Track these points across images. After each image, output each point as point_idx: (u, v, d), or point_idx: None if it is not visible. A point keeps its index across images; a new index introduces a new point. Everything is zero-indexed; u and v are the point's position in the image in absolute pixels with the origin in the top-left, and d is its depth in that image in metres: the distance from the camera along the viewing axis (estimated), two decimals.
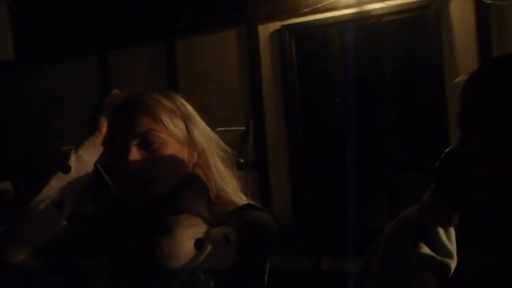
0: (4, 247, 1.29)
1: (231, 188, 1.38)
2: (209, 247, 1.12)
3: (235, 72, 5.34)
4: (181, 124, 1.33)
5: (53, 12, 5.86)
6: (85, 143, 1.35)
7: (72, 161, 1.31)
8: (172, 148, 1.30)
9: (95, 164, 1.36)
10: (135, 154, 1.27)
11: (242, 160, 1.46)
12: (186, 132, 1.33)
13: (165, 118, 1.29)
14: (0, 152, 5.52)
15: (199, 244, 1.11)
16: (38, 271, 1.30)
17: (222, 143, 1.43)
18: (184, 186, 1.25)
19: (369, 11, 4.82)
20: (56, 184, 1.30)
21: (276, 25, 5.12)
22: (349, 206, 4.49)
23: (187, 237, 1.10)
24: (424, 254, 0.92)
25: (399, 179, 4.79)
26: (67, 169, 1.30)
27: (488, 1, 4.33)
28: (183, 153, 1.32)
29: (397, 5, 4.71)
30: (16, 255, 1.28)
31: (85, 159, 1.33)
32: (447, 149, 1.01)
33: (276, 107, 5.18)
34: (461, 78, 0.94)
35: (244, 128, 5.04)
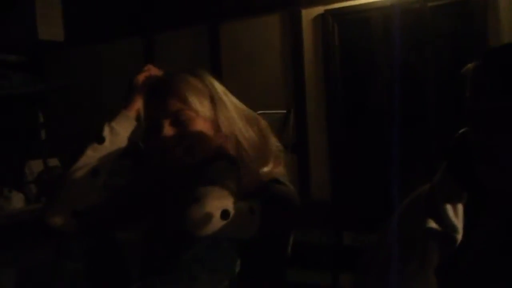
0: (46, 211, 1.42)
1: (256, 165, 1.44)
2: (234, 218, 1.20)
3: (278, 56, 5.37)
4: (207, 103, 1.43)
5: None
6: (118, 116, 1.46)
7: (106, 133, 1.43)
8: (200, 125, 1.40)
9: (131, 139, 1.47)
10: (168, 130, 1.38)
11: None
12: (213, 110, 1.43)
13: (192, 99, 1.40)
14: (49, 129, 5.72)
15: (225, 214, 1.19)
16: (76, 235, 1.40)
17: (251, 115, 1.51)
18: (214, 159, 1.34)
19: None
20: (91, 153, 1.42)
21: (319, 9, 5.11)
22: (389, 189, 4.47)
23: (215, 208, 1.18)
24: (431, 228, 0.97)
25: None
26: (101, 140, 1.42)
27: None
28: (210, 130, 1.41)
29: None
30: (56, 217, 1.39)
31: (118, 131, 1.44)
32: (461, 130, 1.05)
33: (317, 92, 5.19)
34: (470, 65, 0.97)
35: (285, 111, 5.08)
